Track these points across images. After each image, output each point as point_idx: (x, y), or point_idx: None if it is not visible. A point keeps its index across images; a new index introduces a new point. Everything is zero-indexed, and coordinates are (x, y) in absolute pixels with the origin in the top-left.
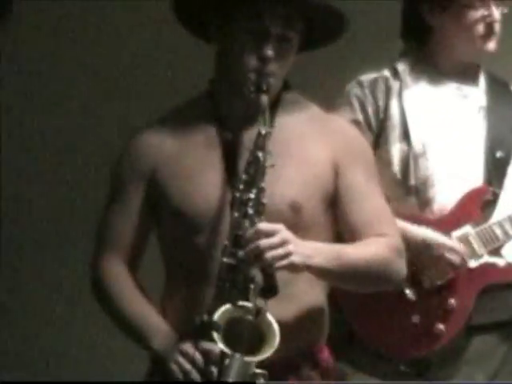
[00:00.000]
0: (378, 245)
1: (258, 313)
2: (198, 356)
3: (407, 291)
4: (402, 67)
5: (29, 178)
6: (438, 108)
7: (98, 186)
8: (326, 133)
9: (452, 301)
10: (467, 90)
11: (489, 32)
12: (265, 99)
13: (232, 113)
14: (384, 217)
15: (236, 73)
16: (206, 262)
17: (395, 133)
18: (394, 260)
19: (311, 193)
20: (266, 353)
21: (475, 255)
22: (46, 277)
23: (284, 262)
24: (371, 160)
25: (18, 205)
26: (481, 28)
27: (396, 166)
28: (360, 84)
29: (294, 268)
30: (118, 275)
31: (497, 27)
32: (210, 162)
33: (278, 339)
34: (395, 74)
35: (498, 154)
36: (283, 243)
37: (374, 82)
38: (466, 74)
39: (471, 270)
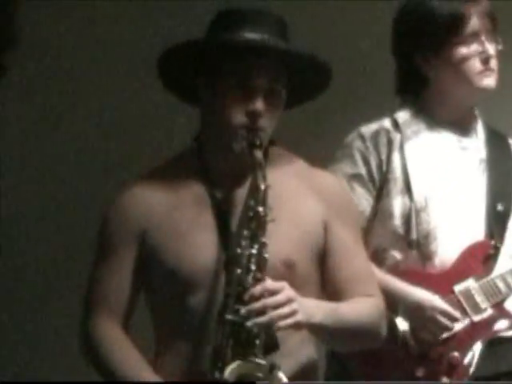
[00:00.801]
0: (367, 305)
1: (272, 369)
2: None
3: (411, 344)
4: (402, 119)
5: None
6: (438, 161)
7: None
8: (316, 189)
9: (456, 354)
10: (467, 141)
11: (485, 68)
12: (259, 154)
13: (221, 170)
14: (370, 277)
15: (225, 129)
16: (201, 321)
17: (397, 186)
18: (381, 320)
19: (304, 249)
20: None
21: (478, 309)
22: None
23: (289, 321)
24: (358, 219)
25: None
26: (476, 64)
27: (398, 219)
28: (362, 137)
29: (298, 326)
30: (110, 333)
31: (493, 63)
32: (201, 222)
33: None
34: (396, 125)
35: (499, 207)
36: (288, 301)
37: (375, 135)
38: (464, 125)
39: (475, 324)
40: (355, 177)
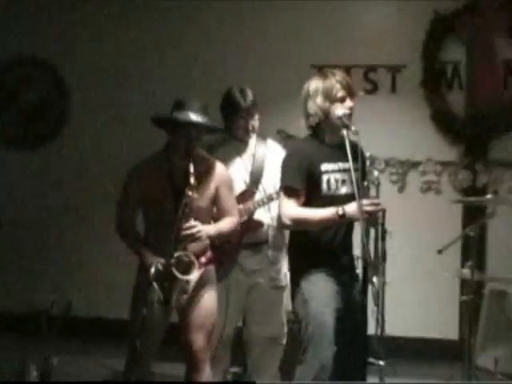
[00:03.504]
0: (230, 220)
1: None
2: (160, 262)
3: None
4: None
5: None
6: None
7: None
8: (214, 173)
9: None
10: None
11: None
12: (190, 161)
13: (176, 165)
14: (233, 209)
15: (177, 149)
16: (165, 228)
17: None
18: (235, 226)
19: (207, 201)
20: (191, 275)
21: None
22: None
23: (198, 235)
24: (231, 186)
25: None
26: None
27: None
28: None
29: (202, 238)
30: (129, 229)
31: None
32: (166, 190)
33: (196, 265)
34: None
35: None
36: (198, 228)
37: None
38: None
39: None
40: None
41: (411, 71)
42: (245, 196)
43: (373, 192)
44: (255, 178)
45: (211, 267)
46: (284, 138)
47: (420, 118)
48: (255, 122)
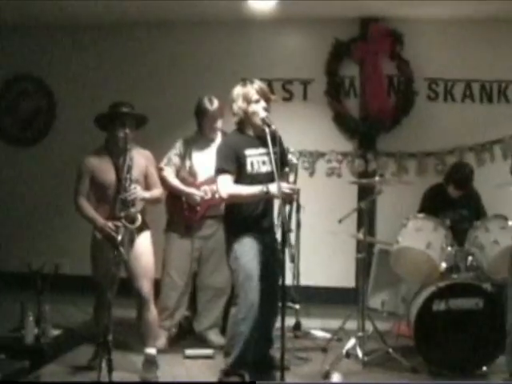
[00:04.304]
0: (157, 190)
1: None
2: (111, 225)
3: None
4: None
5: None
6: None
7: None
8: (144, 156)
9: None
10: None
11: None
12: (128, 148)
13: (115, 152)
14: (158, 182)
15: (115, 141)
16: (110, 198)
17: None
18: (160, 194)
19: (142, 175)
20: (136, 223)
21: None
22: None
23: (139, 194)
24: (155, 165)
25: None
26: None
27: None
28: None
29: (140, 198)
30: (84, 203)
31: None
32: (110, 170)
33: (139, 217)
34: None
35: None
36: (139, 192)
37: None
38: None
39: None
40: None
41: (318, 83)
42: (209, 181)
43: (292, 177)
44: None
45: (147, 231)
46: (224, 135)
47: (325, 119)
48: (218, 124)
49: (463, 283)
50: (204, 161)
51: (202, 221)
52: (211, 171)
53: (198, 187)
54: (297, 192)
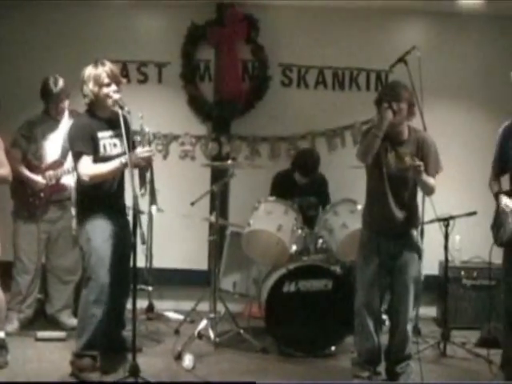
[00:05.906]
0: (6, 169)
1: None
2: None
3: None
4: None
5: None
6: None
7: None
8: None
9: None
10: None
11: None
12: None
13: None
14: (6, 162)
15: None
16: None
17: None
18: (9, 175)
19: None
20: None
21: None
22: None
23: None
24: (3, 147)
25: None
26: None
27: None
28: None
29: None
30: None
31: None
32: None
33: None
34: None
35: None
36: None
37: None
38: None
39: None
40: None
41: (173, 67)
42: (55, 164)
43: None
44: (64, 151)
45: None
46: (76, 116)
47: (179, 102)
48: (64, 104)
49: (313, 265)
50: (51, 142)
51: (48, 205)
52: (58, 152)
53: (44, 171)
54: (154, 154)
